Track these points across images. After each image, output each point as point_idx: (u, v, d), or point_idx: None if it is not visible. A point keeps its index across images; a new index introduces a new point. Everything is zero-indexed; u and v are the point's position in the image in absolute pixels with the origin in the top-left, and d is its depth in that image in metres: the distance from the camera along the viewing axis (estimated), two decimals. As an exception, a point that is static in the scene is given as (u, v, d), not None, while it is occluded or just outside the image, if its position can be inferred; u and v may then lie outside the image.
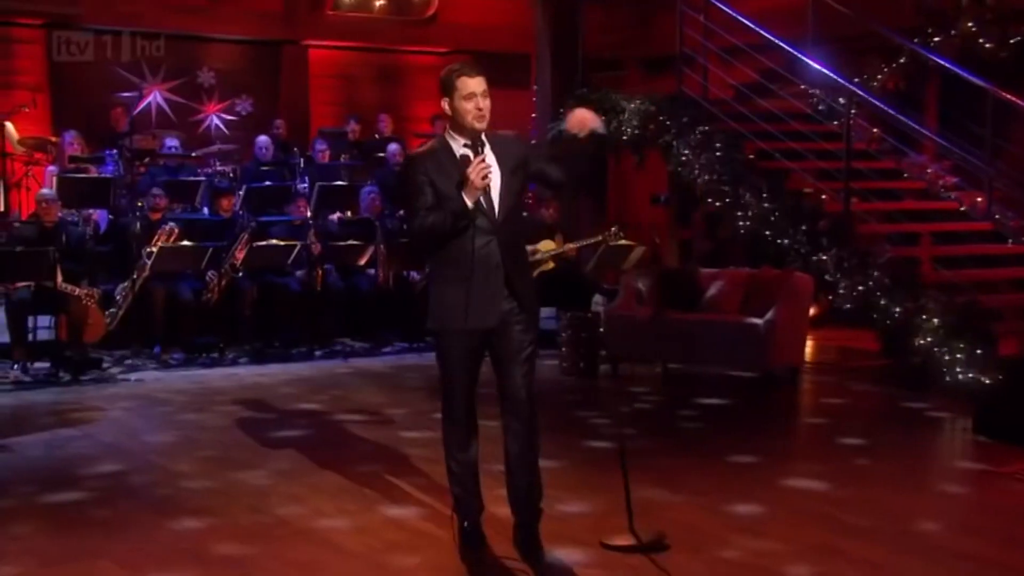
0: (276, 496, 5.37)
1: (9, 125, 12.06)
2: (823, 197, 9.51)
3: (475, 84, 4.30)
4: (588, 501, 5.27)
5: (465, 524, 4.59)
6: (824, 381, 8.92)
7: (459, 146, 4.35)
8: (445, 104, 4.35)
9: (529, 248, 10.01)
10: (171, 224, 9.83)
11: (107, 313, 9.51)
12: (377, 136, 13.38)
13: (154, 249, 9.55)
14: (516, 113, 12.65)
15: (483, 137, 4.33)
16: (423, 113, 15.02)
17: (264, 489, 5.50)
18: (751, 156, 9.86)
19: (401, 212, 10.57)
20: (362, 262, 10.62)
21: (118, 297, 9.74)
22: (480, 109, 4.29)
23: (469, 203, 4.24)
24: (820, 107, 10.82)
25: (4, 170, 11.85)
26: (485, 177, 4.23)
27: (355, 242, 10.53)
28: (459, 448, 4.55)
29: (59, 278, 8.69)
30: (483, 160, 4.24)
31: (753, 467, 6.03)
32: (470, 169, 4.22)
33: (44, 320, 9.29)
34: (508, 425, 4.46)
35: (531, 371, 4.47)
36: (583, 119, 4.41)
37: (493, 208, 4.34)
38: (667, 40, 10.99)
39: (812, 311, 10.27)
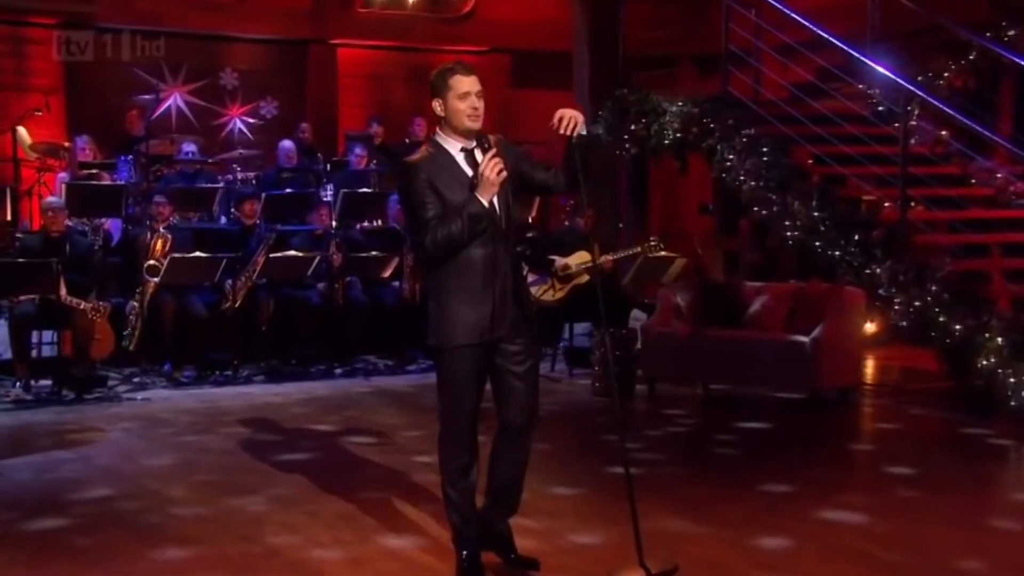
0: (270, 524, 5.37)
1: (21, 130, 12.27)
2: (885, 205, 9.39)
3: (469, 83, 4.35)
4: (601, 532, 5.22)
5: (464, 555, 4.57)
6: (878, 404, 8.79)
7: (455, 148, 4.39)
8: (437, 105, 4.40)
9: (562, 261, 10.01)
10: (163, 231, 9.88)
11: (125, 333, 9.63)
12: (408, 140, 13.40)
13: (153, 263, 9.61)
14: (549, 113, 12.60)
15: (487, 135, 4.39)
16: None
17: (259, 516, 5.51)
18: (810, 161, 9.77)
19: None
20: (387, 274, 10.65)
21: (129, 314, 9.82)
22: (475, 108, 4.35)
23: (485, 202, 4.29)
24: (880, 108, 10.67)
25: (16, 177, 12.05)
26: (500, 172, 4.27)
27: (378, 253, 10.56)
28: (461, 475, 4.56)
29: (63, 291, 8.77)
30: (495, 155, 4.29)
31: (787, 497, 5.94)
32: (483, 166, 4.27)
33: (50, 335, 9.41)
34: (505, 442, 4.54)
35: (535, 388, 4.56)
36: (563, 117, 4.40)
37: (496, 212, 4.38)
38: (731, 34, 10.88)
39: (873, 328, 10.19)
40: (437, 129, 4.47)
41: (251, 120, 14.67)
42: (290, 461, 6.72)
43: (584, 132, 4.47)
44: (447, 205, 4.32)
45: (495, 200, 4.36)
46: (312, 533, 5.23)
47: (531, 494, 5.72)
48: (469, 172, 4.37)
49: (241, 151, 13.07)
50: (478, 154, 4.38)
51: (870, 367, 10.20)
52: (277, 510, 5.62)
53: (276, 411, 8.42)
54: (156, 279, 9.58)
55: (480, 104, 4.37)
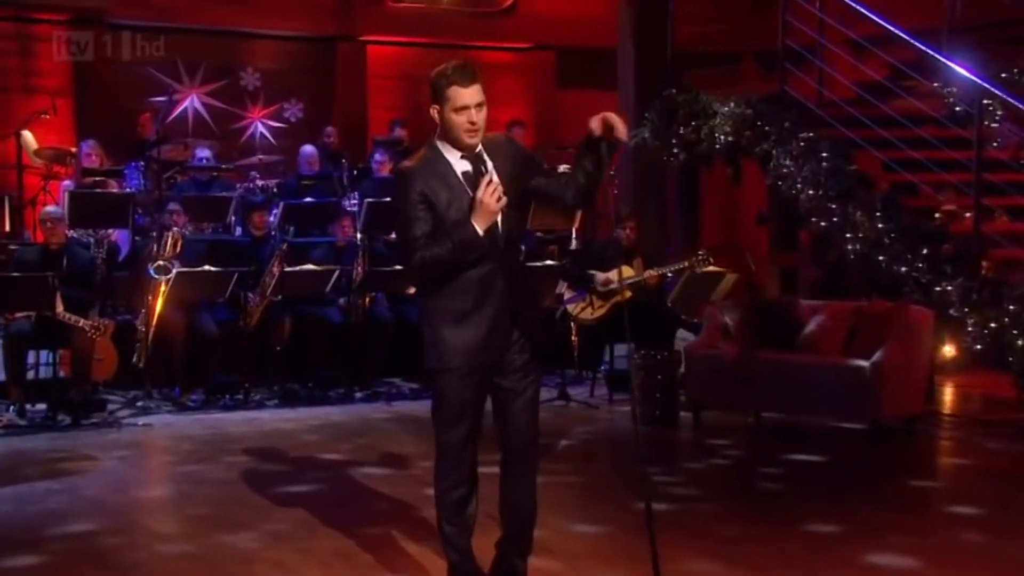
0: (260, 563, 5.35)
1: (27, 134, 12.42)
2: (966, 216, 9.26)
3: (469, 95, 4.31)
4: (624, 574, 5.14)
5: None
6: (948, 436, 8.67)
7: (455, 156, 4.38)
8: (434, 112, 4.37)
9: (603, 276, 9.95)
10: (176, 229, 9.99)
11: (136, 349, 9.69)
12: (484, 169, 13.43)
13: (162, 263, 9.65)
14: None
15: (482, 151, 4.38)
16: (500, 118, 14.97)
17: (248, 554, 5.49)
18: (877, 168, 9.66)
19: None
20: (413, 290, 10.62)
21: (139, 326, 9.88)
22: (473, 123, 4.32)
23: (480, 230, 4.28)
24: (956, 109, 10.52)
25: (19, 184, 12.20)
26: (500, 199, 4.26)
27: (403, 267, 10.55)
28: (457, 509, 4.58)
29: (59, 307, 8.83)
30: (491, 180, 4.28)
31: (833, 538, 5.84)
32: (481, 192, 4.26)
33: (49, 356, 9.48)
34: (507, 469, 4.57)
35: (536, 410, 4.58)
36: (609, 121, 4.40)
37: (496, 229, 4.36)
38: (791, 30, 10.80)
39: (951, 352, 10.02)
40: (437, 133, 4.43)
41: (274, 123, 14.74)
42: (291, 493, 6.72)
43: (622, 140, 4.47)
44: (441, 220, 4.31)
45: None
46: (303, 572, 5.21)
47: (553, 532, 5.72)
48: (467, 183, 4.35)
49: (261, 157, 13.13)
50: (473, 174, 4.37)
51: (945, 395, 10.03)
52: (269, 547, 5.60)
53: (285, 438, 8.45)
54: (165, 278, 9.58)
55: (480, 117, 4.33)
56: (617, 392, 9.90)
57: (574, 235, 11.99)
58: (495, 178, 4.31)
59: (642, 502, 6.35)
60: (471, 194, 4.32)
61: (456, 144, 4.36)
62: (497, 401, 4.50)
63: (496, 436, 4.54)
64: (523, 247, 10.66)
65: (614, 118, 4.41)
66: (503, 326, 4.39)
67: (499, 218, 4.35)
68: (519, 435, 4.53)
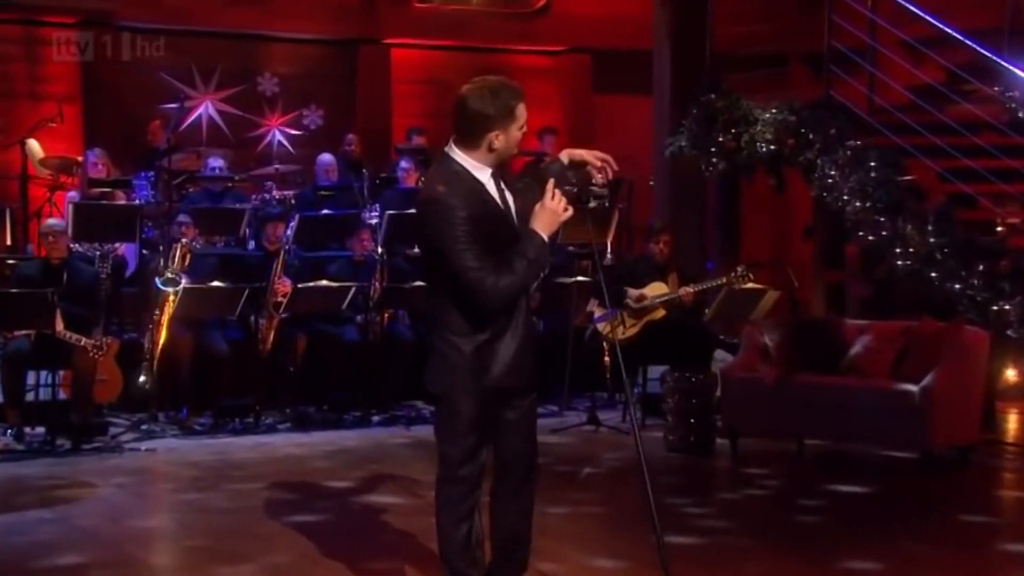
0: (257, 599, 5.32)
1: (32, 143, 12.50)
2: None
3: (525, 111, 4.43)
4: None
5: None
6: (1006, 467, 8.59)
7: (487, 176, 4.39)
8: (497, 136, 4.33)
9: (636, 292, 9.89)
10: (184, 240, 9.99)
11: (142, 368, 9.72)
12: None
13: (170, 275, 9.67)
14: (644, 124, 12.50)
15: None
16: (531, 125, 14.73)
17: (245, 590, 5.46)
18: (937, 177, 9.59)
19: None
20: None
21: (148, 348, 9.89)
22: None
23: (546, 238, 4.35)
24: (1020, 115, 10.41)
25: (24, 195, 12.27)
26: (567, 208, 4.37)
27: (423, 283, 10.51)
28: (466, 545, 4.52)
29: (59, 325, 8.83)
30: (554, 189, 4.39)
31: (871, 576, 5.75)
32: (549, 198, 4.35)
33: (52, 376, 9.48)
34: (504, 492, 4.60)
35: (535, 426, 4.67)
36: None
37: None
38: (839, 31, 10.76)
39: (1014, 376, 9.90)
40: (458, 149, 4.40)
41: (292, 131, 14.75)
42: (297, 523, 6.68)
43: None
44: (491, 242, 4.32)
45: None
46: (302, 610, 5.17)
47: (570, 566, 5.69)
48: (497, 198, 4.40)
49: (278, 166, 13.12)
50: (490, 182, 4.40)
51: (1007, 422, 9.90)
52: (268, 582, 5.57)
53: (295, 464, 8.44)
54: (174, 290, 9.61)
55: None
56: (650, 417, 9.80)
57: (609, 249, 11.96)
58: (554, 184, 4.41)
59: (668, 535, 6.36)
60: (504, 209, 4.39)
61: (497, 161, 4.39)
62: (499, 420, 4.51)
63: (492, 458, 4.53)
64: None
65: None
66: (526, 352, 4.45)
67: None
68: (524, 454, 4.57)
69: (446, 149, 4.45)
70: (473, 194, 4.33)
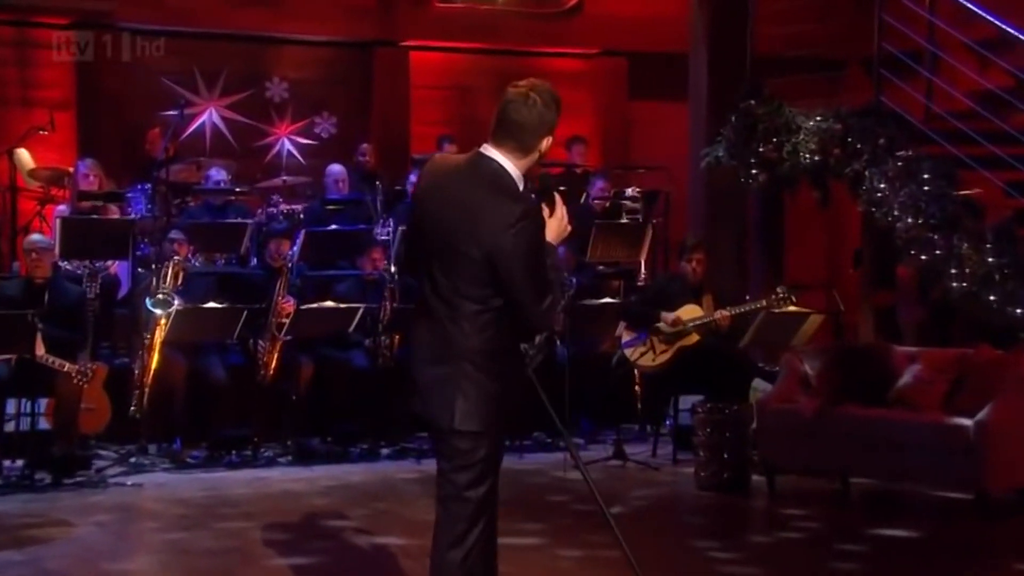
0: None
1: (22, 152, 12.48)
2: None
3: None
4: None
5: None
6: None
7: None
8: (549, 140, 4.56)
9: (671, 316, 9.88)
10: (177, 258, 9.95)
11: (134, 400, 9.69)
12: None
13: (162, 296, 9.62)
14: (682, 133, 12.41)
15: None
16: (560, 134, 14.62)
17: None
18: (1002, 192, 9.49)
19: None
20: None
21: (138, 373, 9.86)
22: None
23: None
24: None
25: (12, 209, 12.26)
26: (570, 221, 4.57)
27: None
28: None
29: (40, 349, 8.80)
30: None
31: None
32: (560, 210, 4.51)
33: (38, 404, 9.43)
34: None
35: None
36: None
37: None
38: (893, 33, 10.67)
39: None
40: (502, 155, 4.47)
41: (303, 140, 14.68)
42: (288, 566, 6.67)
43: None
44: None
45: None
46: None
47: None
48: None
49: (286, 178, 13.04)
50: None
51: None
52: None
53: (293, 501, 8.42)
54: (165, 312, 9.57)
55: None
56: (683, 451, 9.69)
57: (642, 268, 11.89)
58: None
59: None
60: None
61: (527, 170, 4.51)
62: None
63: None
64: (574, 280, 10.73)
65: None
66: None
67: None
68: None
69: (487, 154, 4.45)
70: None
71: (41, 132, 12.60)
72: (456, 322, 4.37)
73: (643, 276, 11.86)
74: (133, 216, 11.41)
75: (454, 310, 4.39)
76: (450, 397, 4.38)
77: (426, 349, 4.48)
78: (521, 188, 4.43)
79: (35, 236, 10.05)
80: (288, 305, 9.99)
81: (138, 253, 11.04)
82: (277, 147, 14.63)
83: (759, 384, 9.85)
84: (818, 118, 10.25)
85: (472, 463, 4.43)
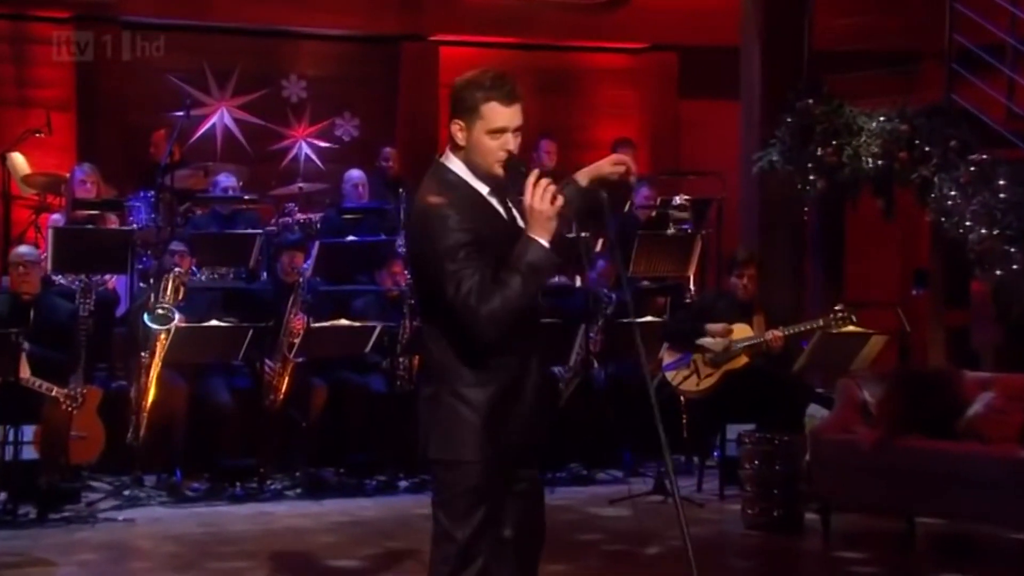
0: None
1: (16, 157, 12.46)
2: None
3: (508, 116, 4.41)
4: None
5: None
6: None
7: (486, 191, 4.45)
8: (457, 129, 4.43)
9: (718, 325, 9.81)
10: (178, 270, 9.92)
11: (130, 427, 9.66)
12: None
13: (161, 311, 9.59)
14: (735, 135, 12.31)
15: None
16: (603, 136, 14.83)
17: None
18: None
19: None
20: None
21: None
22: (509, 152, 4.41)
23: (545, 243, 4.30)
24: None
25: (7, 218, 12.24)
26: (555, 197, 4.30)
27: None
28: None
29: (24, 371, 8.78)
30: (540, 176, 4.33)
31: None
32: (529, 196, 4.31)
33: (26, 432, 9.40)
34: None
35: (540, 492, 4.72)
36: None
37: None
38: (959, 24, 10.58)
39: None
40: (452, 155, 4.48)
41: (322, 144, 14.61)
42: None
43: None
44: (490, 262, 4.35)
45: None
46: None
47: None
48: (506, 214, 4.47)
49: (302, 185, 13.00)
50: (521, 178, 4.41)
51: None
52: None
53: (296, 539, 8.39)
54: (165, 328, 9.52)
55: (515, 144, 4.43)
56: (731, 486, 9.58)
57: (691, 284, 11.77)
58: (536, 176, 4.35)
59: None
60: (513, 228, 4.42)
61: (481, 172, 4.41)
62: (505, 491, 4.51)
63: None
64: (613, 296, 10.62)
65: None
66: (541, 406, 4.51)
67: None
68: (534, 532, 4.62)
69: (441, 158, 4.50)
70: (473, 205, 4.38)
71: (37, 135, 12.60)
72: (426, 342, 4.46)
73: (692, 292, 11.72)
74: (134, 226, 11.37)
75: (426, 328, 4.51)
76: (429, 422, 4.40)
77: (423, 371, 4.55)
78: (486, 191, 4.41)
79: (22, 248, 10.03)
80: (300, 323, 9.95)
81: (139, 267, 11.03)
82: (294, 151, 14.56)
83: (816, 411, 9.73)
84: (882, 118, 10.26)
85: (452, 497, 4.38)
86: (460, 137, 4.41)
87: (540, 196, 4.27)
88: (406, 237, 4.49)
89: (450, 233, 4.28)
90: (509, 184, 4.43)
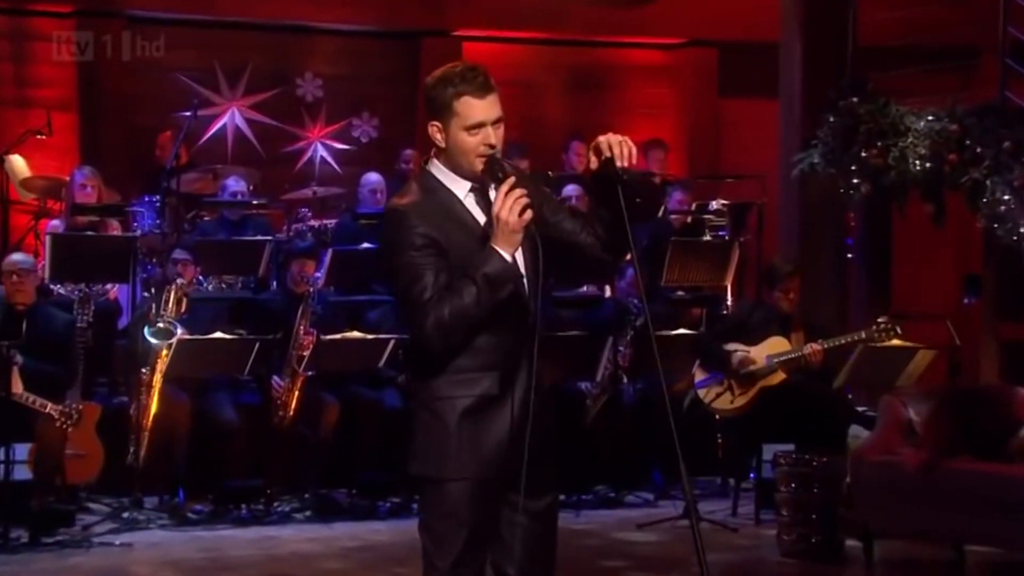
0: None
1: (16, 159, 12.49)
2: None
3: (484, 109, 4.41)
4: None
5: None
6: None
7: (463, 188, 4.42)
8: (435, 131, 4.47)
9: (739, 355, 9.73)
10: (180, 281, 9.90)
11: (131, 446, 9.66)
12: (551, 174, 13.16)
13: (163, 325, 9.56)
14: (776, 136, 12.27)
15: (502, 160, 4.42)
16: (637, 137, 14.32)
17: None
18: None
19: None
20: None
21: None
22: (492, 146, 4.38)
23: (508, 256, 4.27)
24: None
25: (4, 224, 12.26)
26: (524, 210, 4.25)
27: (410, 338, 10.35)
28: None
29: (17, 386, 8.80)
30: (514, 185, 4.27)
31: None
32: (498, 205, 4.27)
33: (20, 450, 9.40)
34: None
35: (555, 537, 4.64)
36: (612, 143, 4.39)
37: (522, 282, 4.41)
38: (1013, 15, 10.55)
39: None
40: (434, 158, 4.49)
41: (339, 145, 14.63)
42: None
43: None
44: (452, 269, 4.32)
45: (518, 256, 4.37)
46: None
47: None
48: (482, 220, 4.41)
49: (316, 188, 12.99)
50: (493, 193, 4.38)
51: None
52: None
53: (303, 565, 8.41)
54: (167, 343, 9.51)
55: (498, 137, 4.40)
56: (768, 509, 9.51)
57: (728, 294, 11.72)
58: (510, 185, 4.28)
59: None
60: (487, 219, 4.38)
61: (464, 172, 4.40)
62: (502, 523, 4.47)
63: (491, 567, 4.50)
64: (643, 307, 10.55)
65: (610, 139, 4.38)
66: (535, 421, 4.36)
67: (525, 266, 4.39)
68: (524, 570, 4.50)
69: (427, 162, 4.51)
70: (441, 209, 4.35)
71: (38, 136, 12.61)
72: (406, 352, 4.48)
73: (729, 303, 11.66)
74: (138, 232, 11.37)
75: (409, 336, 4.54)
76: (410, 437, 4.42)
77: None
78: (463, 194, 4.40)
79: (16, 256, 10.01)
80: (310, 336, 9.92)
81: (144, 275, 11.02)
82: (309, 153, 14.60)
83: (859, 432, 9.65)
84: (930, 118, 10.22)
85: (432, 518, 4.39)
86: (439, 139, 4.42)
87: (509, 207, 4.23)
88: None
89: (406, 232, 4.29)
90: (490, 185, 4.40)
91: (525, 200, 4.24)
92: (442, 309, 4.24)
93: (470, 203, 4.41)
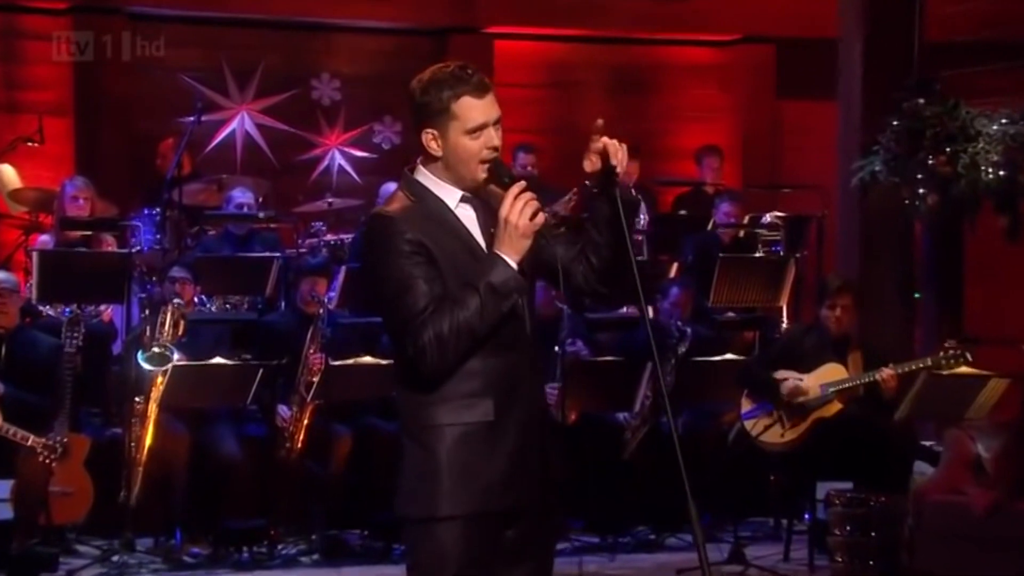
0: None
1: (5, 169, 12.57)
2: None
3: (484, 109, 4.41)
4: None
5: None
6: None
7: (453, 197, 4.46)
8: (429, 138, 4.44)
9: (790, 384, 9.63)
10: (177, 301, 9.84)
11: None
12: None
13: (158, 350, 9.54)
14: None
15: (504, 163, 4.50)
16: (687, 144, 14.84)
17: None
18: None
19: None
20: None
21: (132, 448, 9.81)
22: (495, 149, 4.41)
23: (514, 263, 4.29)
24: None
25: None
26: (535, 214, 4.29)
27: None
28: None
29: (-5, 418, 8.82)
30: (524, 189, 4.31)
31: None
32: (506, 208, 4.29)
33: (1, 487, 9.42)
34: None
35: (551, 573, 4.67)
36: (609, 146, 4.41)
37: (520, 305, 4.41)
38: None
39: None
40: (420, 166, 4.48)
41: (358, 153, 14.68)
42: None
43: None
44: (444, 280, 4.36)
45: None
46: None
47: None
48: (474, 231, 4.47)
49: (331, 200, 12.98)
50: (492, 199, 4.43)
51: None
52: None
53: (307, 614, 8.34)
54: (162, 370, 9.50)
55: (499, 139, 4.44)
56: (822, 554, 9.44)
57: (784, 315, 11.65)
58: (520, 188, 4.33)
59: None
60: (482, 243, 4.42)
61: (461, 181, 4.41)
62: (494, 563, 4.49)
63: None
64: (688, 330, 10.46)
65: (607, 143, 4.40)
66: (529, 454, 4.41)
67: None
68: None
69: (410, 171, 4.52)
70: (431, 216, 4.35)
71: (29, 143, 12.71)
72: (393, 378, 4.52)
73: (784, 326, 11.59)
74: (135, 248, 11.36)
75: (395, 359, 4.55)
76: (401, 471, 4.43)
77: None
78: (453, 202, 4.42)
79: (-1, 275, 10.05)
80: (319, 361, 9.89)
81: (143, 295, 11.07)
82: (326, 161, 14.69)
83: (925, 469, 9.57)
84: (1004, 121, 10.19)
85: (418, 560, 4.41)
86: (435, 147, 4.41)
87: (519, 210, 4.26)
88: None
89: (393, 238, 4.30)
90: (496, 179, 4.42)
91: (536, 204, 4.27)
92: (440, 323, 4.23)
93: (461, 213, 4.41)
